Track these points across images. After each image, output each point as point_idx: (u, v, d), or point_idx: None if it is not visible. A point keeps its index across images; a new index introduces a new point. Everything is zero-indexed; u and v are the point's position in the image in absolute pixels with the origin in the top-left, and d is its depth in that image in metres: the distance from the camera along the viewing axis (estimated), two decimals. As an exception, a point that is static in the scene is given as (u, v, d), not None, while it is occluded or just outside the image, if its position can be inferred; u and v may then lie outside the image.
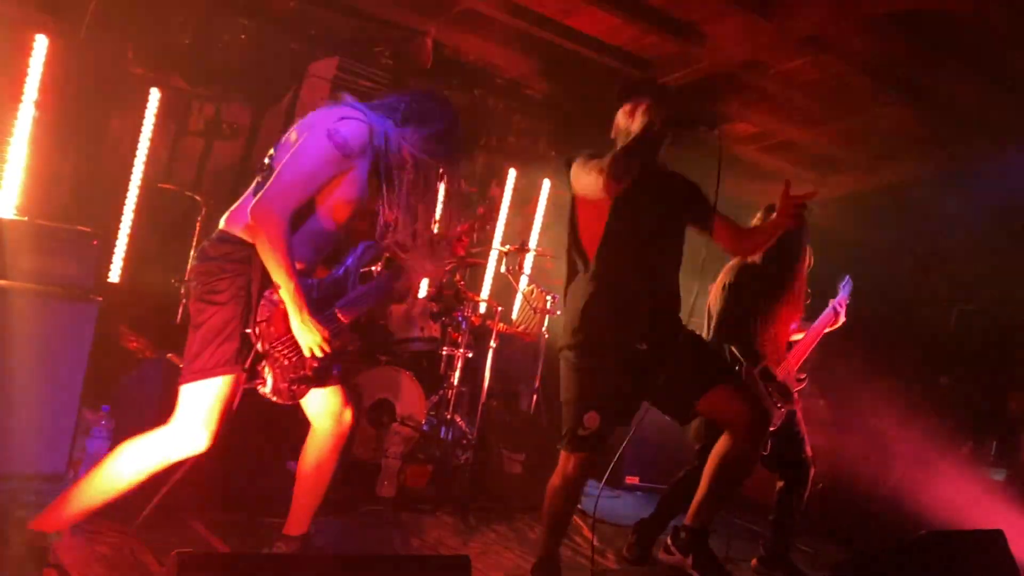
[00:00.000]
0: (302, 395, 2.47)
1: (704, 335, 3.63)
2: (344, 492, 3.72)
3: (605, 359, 2.84)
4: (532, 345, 5.19)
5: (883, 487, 4.72)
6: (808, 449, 3.61)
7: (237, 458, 3.18)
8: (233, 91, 5.20)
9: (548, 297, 5.03)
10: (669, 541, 3.14)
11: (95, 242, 3.33)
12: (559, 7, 4.85)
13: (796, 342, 3.71)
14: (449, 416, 4.50)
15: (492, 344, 4.55)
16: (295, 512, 2.68)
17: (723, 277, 3.68)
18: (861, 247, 5.79)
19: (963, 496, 4.40)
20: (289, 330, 2.33)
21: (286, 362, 2.37)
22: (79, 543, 2.57)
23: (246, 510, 3.21)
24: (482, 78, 5.87)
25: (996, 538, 2.73)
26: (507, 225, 6.78)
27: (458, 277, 4.74)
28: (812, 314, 3.79)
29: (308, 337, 2.33)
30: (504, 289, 6.04)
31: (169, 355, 3.27)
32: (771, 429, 3.35)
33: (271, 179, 2.30)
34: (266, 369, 2.37)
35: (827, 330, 3.77)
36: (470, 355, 4.65)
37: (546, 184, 6.81)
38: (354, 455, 4.04)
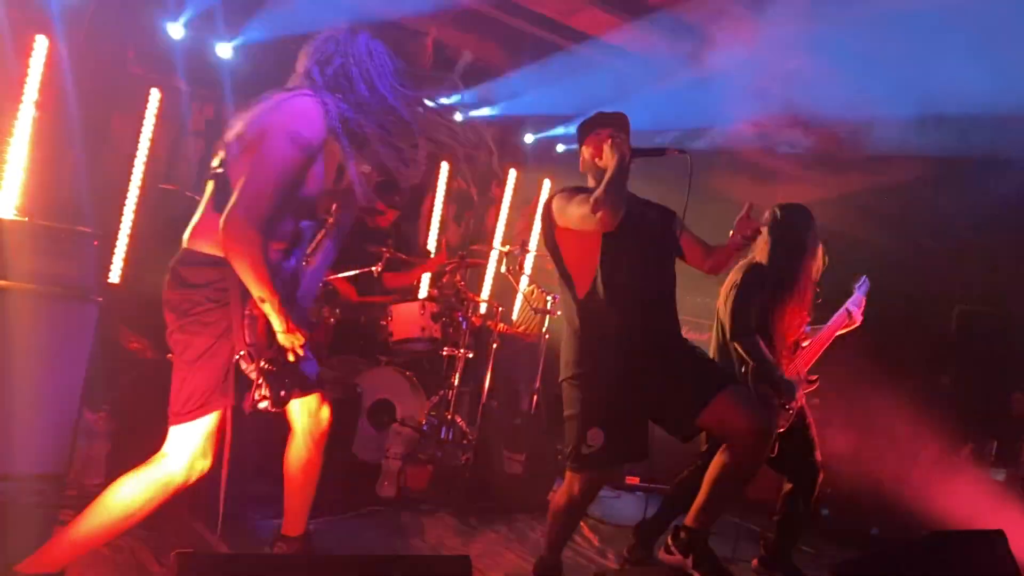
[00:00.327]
0: (290, 399, 2.42)
1: (712, 335, 3.64)
2: (345, 492, 3.72)
3: (608, 380, 2.85)
4: (532, 345, 5.20)
5: (884, 487, 4.71)
6: (818, 454, 3.59)
7: (237, 459, 3.17)
8: (233, 91, 5.21)
9: (548, 297, 5.03)
10: (670, 541, 3.14)
11: (95, 243, 3.33)
12: (559, 7, 4.87)
13: (807, 343, 3.69)
14: (450, 416, 4.50)
15: (493, 345, 4.55)
16: (289, 513, 2.67)
17: (733, 276, 3.67)
18: (861, 247, 5.78)
19: (964, 496, 4.40)
20: (274, 340, 2.28)
21: (276, 371, 2.31)
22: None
23: (246, 510, 3.22)
24: (481, 78, 5.88)
25: (997, 538, 2.73)
26: (507, 225, 6.79)
27: (459, 278, 4.74)
28: (826, 316, 3.76)
29: (291, 341, 2.28)
30: (504, 290, 6.05)
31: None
32: (779, 430, 3.34)
33: (237, 191, 2.18)
34: (261, 386, 2.30)
35: (841, 332, 3.74)
36: (471, 356, 4.65)
37: (546, 184, 6.81)
38: (355, 456, 4.04)
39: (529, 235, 6.68)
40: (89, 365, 3.23)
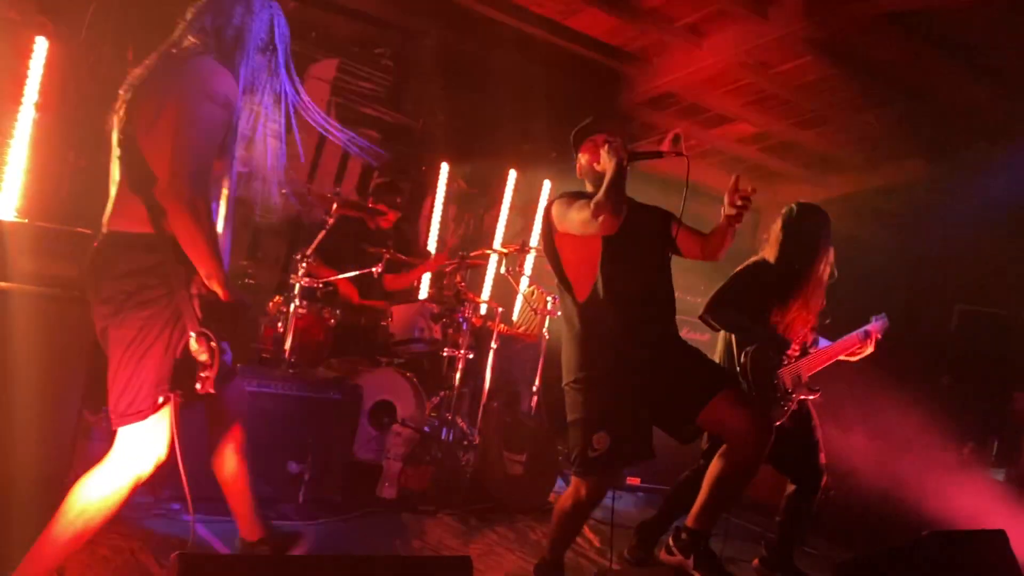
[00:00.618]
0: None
1: (720, 338, 3.63)
2: (345, 493, 3.72)
3: (611, 383, 2.85)
4: (533, 346, 5.19)
5: (885, 487, 4.71)
6: (823, 456, 3.58)
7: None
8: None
9: (548, 298, 5.03)
10: (670, 541, 3.13)
11: (96, 244, 3.32)
12: (559, 8, 4.87)
13: (813, 350, 3.64)
14: (450, 417, 4.49)
15: (493, 345, 4.55)
16: (239, 520, 2.52)
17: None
18: (861, 247, 5.78)
19: (965, 496, 4.40)
20: (220, 318, 2.16)
21: (217, 347, 2.14)
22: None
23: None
24: (482, 77, 5.88)
25: (998, 538, 2.73)
26: (507, 226, 6.78)
27: (459, 278, 4.74)
28: (834, 334, 3.71)
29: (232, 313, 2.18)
30: (505, 290, 6.04)
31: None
32: (777, 424, 3.32)
33: (170, 161, 2.05)
34: (213, 366, 2.14)
35: (847, 356, 3.68)
36: (471, 356, 4.64)
37: (546, 184, 6.81)
38: (355, 456, 4.04)
39: (529, 235, 6.67)
40: (89, 365, 3.23)
